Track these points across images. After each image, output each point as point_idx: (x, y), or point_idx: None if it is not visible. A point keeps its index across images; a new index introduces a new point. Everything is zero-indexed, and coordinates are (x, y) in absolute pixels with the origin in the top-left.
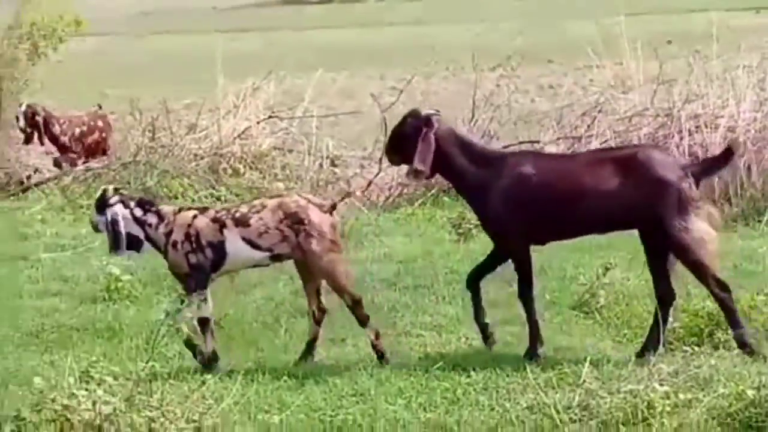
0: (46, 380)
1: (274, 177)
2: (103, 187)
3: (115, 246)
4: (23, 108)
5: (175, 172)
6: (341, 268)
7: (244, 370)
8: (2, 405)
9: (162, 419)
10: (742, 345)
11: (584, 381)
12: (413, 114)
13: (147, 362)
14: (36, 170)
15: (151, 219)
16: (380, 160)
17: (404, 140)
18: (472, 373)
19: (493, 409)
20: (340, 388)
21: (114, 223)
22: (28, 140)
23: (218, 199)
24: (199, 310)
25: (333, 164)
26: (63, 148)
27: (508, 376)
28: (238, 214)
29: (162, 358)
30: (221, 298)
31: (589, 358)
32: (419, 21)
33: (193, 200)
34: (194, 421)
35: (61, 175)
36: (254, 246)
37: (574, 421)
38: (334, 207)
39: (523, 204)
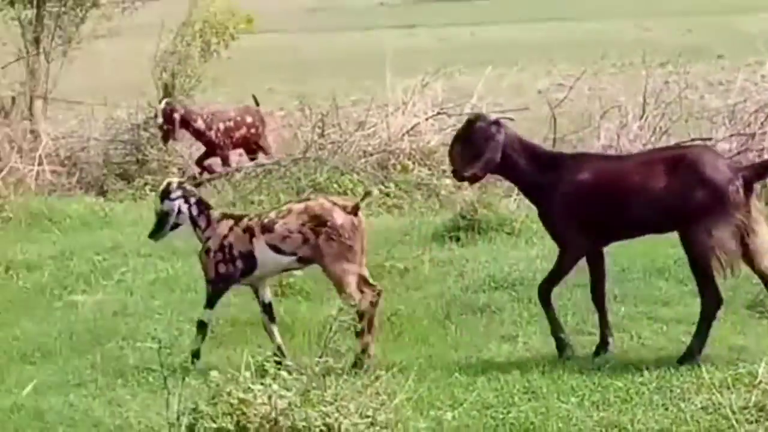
0: (223, 374)
1: (443, 173)
2: (168, 179)
3: (155, 233)
4: (162, 105)
5: (345, 169)
6: (350, 278)
7: (416, 366)
8: (180, 397)
9: (336, 414)
10: None
11: (761, 381)
12: (480, 118)
13: (320, 357)
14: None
15: (202, 221)
16: None
17: (471, 144)
18: (645, 372)
19: (666, 409)
20: (511, 386)
21: (166, 214)
22: (166, 138)
23: (387, 195)
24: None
25: None
26: (209, 144)
27: (681, 375)
28: (266, 221)
29: (335, 354)
30: (390, 294)
31: (765, 359)
32: (587, 16)
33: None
34: (368, 416)
35: (232, 172)
36: (279, 251)
37: (751, 422)
38: (357, 208)
39: (578, 205)
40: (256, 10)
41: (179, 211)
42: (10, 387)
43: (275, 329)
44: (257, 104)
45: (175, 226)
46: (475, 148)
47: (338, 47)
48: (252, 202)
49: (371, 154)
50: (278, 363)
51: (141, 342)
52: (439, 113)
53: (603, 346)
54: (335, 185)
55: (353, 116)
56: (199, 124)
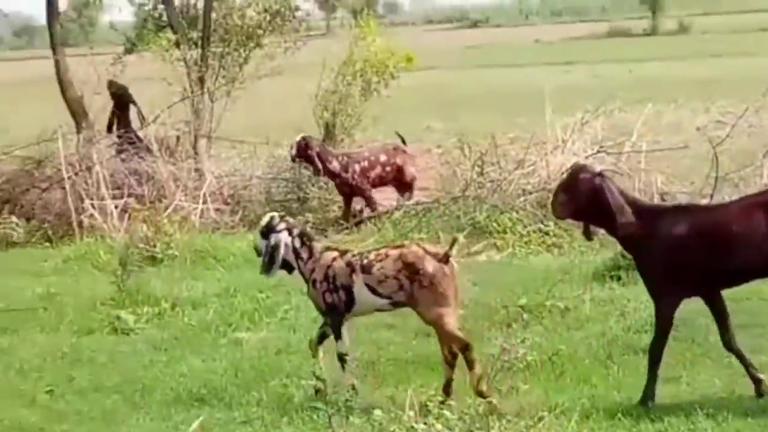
0: (386, 412)
1: None
2: (270, 213)
3: (267, 269)
4: (298, 139)
5: (504, 207)
6: (448, 319)
7: (578, 407)
8: None
9: None
10: None
11: None
12: (584, 169)
13: (483, 397)
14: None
15: (304, 253)
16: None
17: (574, 194)
18: None
19: None
20: (675, 428)
21: (275, 248)
22: (317, 172)
23: (546, 234)
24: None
25: (662, 200)
26: (346, 185)
27: None
28: (365, 261)
29: (497, 393)
30: (551, 334)
31: None
32: (746, 52)
33: (522, 235)
34: None
35: (392, 209)
36: (375, 293)
37: None
38: (447, 256)
39: (676, 259)
40: (414, 47)
41: (283, 244)
42: (177, 423)
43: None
44: (404, 142)
45: (284, 261)
46: (577, 198)
47: (494, 84)
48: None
49: (530, 193)
50: (441, 402)
51: (305, 380)
52: (598, 152)
53: (757, 385)
54: (494, 224)
55: (511, 154)
56: (334, 165)
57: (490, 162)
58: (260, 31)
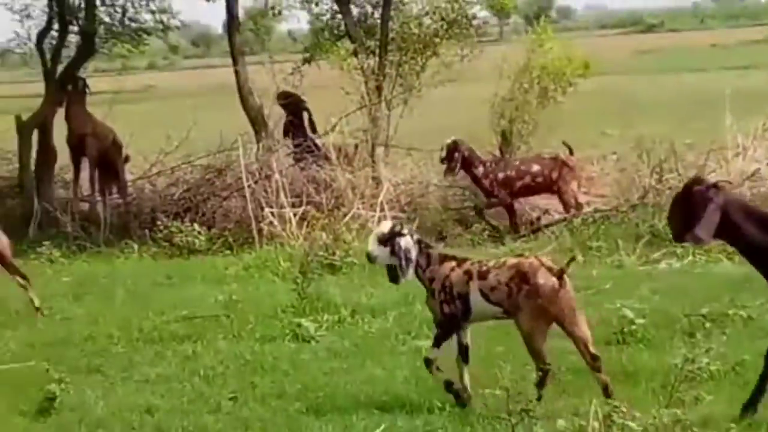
0: (569, 422)
1: None
2: (386, 221)
3: (402, 273)
4: (448, 141)
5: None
6: (538, 337)
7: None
8: None
9: None
10: None
11: None
12: (698, 181)
13: (666, 407)
14: (545, 211)
15: (422, 260)
16: None
17: (689, 208)
18: None
19: None
20: None
21: (407, 251)
22: (447, 173)
23: None
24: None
25: None
26: (486, 192)
27: None
28: (483, 268)
29: (680, 404)
30: (734, 344)
31: None
32: None
33: None
34: None
35: (570, 218)
36: (487, 299)
37: None
38: (562, 272)
39: None
40: (588, 53)
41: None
42: (359, 431)
43: (466, 371)
44: (571, 152)
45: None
46: (693, 212)
47: (669, 89)
48: (590, 248)
49: None
50: (623, 412)
51: (488, 389)
52: None
53: None
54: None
55: (689, 160)
56: (479, 171)
57: (669, 168)
58: (437, 40)
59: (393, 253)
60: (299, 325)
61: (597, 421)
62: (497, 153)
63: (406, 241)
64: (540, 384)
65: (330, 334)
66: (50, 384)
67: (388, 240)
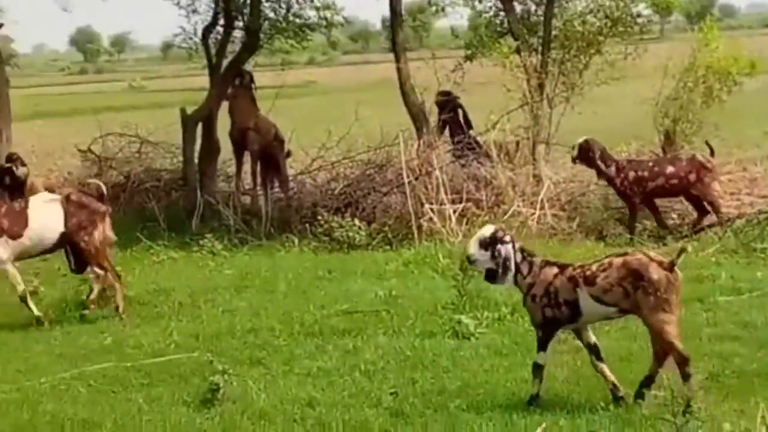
0: (734, 426)
1: None
2: (488, 225)
3: (500, 279)
4: (580, 141)
5: None
6: (670, 328)
7: None
8: None
9: None
10: None
11: None
12: None
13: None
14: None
15: (524, 267)
16: None
17: None
18: None
19: None
20: None
21: (507, 259)
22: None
23: None
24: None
25: None
26: (618, 192)
27: None
28: (588, 273)
29: None
30: None
31: None
32: None
33: None
34: None
35: (734, 218)
36: (601, 302)
37: None
38: (672, 264)
39: None
40: (752, 51)
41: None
42: (520, 429)
43: (605, 368)
44: (712, 153)
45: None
46: None
47: None
48: (754, 250)
49: None
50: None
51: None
52: None
53: None
54: None
55: None
56: (611, 170)
57: None
58: (600, 38)
59: (493, 257)
60: (459, 321)
61: (765, 426)
62: (659, 152)
63: (506, 249)
64: (685, 377)
65: (490, 332)
66: (214, 375)
67: (490, 245)
